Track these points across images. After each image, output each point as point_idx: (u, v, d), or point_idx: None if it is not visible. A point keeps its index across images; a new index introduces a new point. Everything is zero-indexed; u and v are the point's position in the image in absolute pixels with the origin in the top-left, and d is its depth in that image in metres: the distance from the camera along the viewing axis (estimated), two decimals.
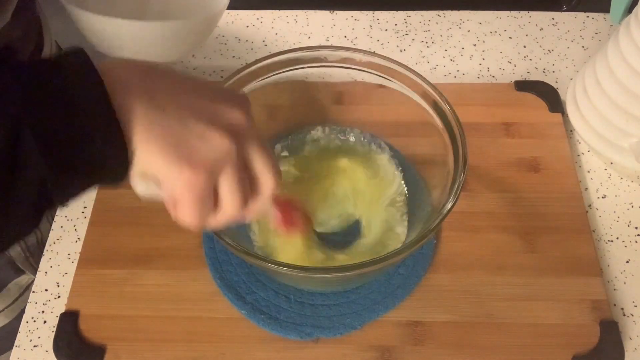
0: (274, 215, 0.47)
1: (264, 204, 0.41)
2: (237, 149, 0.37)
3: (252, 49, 0.78)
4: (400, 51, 0.78)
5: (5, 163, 0.30)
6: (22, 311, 0.58)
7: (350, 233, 0.58)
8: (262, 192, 0.40)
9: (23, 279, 0.69)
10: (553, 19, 0.81)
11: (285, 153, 0.61)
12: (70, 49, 0.34)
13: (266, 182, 0.40)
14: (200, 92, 0.38)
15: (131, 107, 0.34)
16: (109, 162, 0.34)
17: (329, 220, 0.58)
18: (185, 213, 0.37)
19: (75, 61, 0.33)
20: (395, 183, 0.59)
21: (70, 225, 0.62)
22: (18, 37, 0.56)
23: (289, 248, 0.54)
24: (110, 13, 0.67)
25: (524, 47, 0.78)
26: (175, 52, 0.64)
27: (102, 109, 0.32)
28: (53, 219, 0.63)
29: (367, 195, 0.59)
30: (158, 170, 0.35)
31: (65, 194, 0.34)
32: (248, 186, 0.39)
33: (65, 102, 0.32)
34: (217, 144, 0.36)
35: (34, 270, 0.67)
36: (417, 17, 0.81)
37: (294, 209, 0.50)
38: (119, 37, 0.60)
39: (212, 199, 0.37)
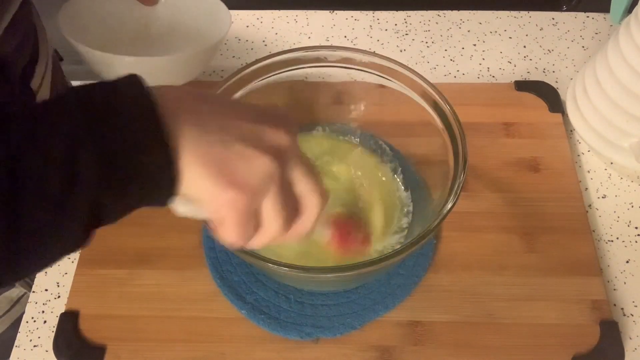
0: (329, 234, 0.48)
1: (309, 224, 0.41)
2: (280, 170, 0.37)
3: (252, 49, 0.78)
4: (400, 51, 0.78)
5: (62, 181, 0.31)
6: (13, 324, 0.58)
7: None
8: (307, 214, 0.41)
9: (13, 292, 0.69)
10: (553, 19, 0.81)
11: None
12: (124, 75, 0.35)
13: (310, 203, 0.40)
14: (245, 114, 0.38)
15: (179, 130, 0.34)
16: (159, 183, 0.34)
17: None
18: (229, 233, 0.38)
19: (130, 86, 0.34)
20: (394, 185, 0.59)
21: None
22: (12, 50, 0.56)
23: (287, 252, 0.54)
24: (113, 38, 0.68)
25: (524, 47, 0.78)
26: (176, 81, 0.65)
27: (153, 131, 0.33)
28: None
29: (365, 197, 0.59)
30: (202, 191, 0.36)
31: (115, 213, 0.35)
32: (291, 207, 0.39)
33: (119, 123, 0.33)
34: (260, 165, 0.36)
35: (25, 283, 0.67)
36: (417, 17, 0.81)
37: (351, 229, 0.51)
38: (119, 70, 0.60)
39: (255, 219, 0.38)
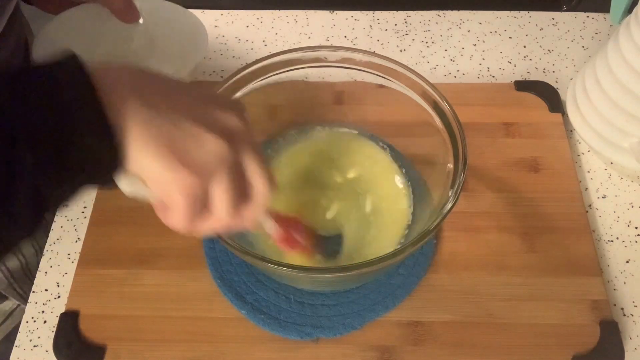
0: (274, 231, 0.47)
1: (257, 212, 0.40)
2: (231, 153, 0.36)
3: (252, 49, 0.78)
4: (400, 51, 0.78)
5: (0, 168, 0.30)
6: (6, 337, 0.57)
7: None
8: (256, 199, 0.40)
9: (7, 305, 0.68)
10: (553, 19, 0.81)
11: (284, 153, 0.61)
12: (61, 53, 0.33)
13: (259, 188, 0.39)
14: (194, 96, 0.37)
15: (123, 107, 0.33)
16: (100, 162, 0.33)
17: (324, 221, 0.58)
18: (176, 217, 0.37)
19: (66, 64, 0.33)
20: (395, 187, 0.59)
21: (70, 225, 0.62)
22: (4, 60, 0.55)
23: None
24: (92, 60, 0.66)
25: (524, 47, 0.78)
26: None
27: (91, 109, 0.32)
28: (45, 239, 0.62)
29: (366, 198, 0.59)
30: (151, 171, 0.35)
31: (59, 197, 0.34)
32: (240, 193, 0.39)
33: (55, 103, 0.32)
34: (212, 146, 0.35)
35: (19, 296, 0.67)
36: (417, 17, 0.81)
37: (296, 228, 0.50)
38: None
39: (203, 203, 0.37)
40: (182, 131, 0.35)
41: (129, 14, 0.59)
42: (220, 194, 0.37)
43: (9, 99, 0.31)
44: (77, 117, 0.32)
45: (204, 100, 0.37)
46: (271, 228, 0.47)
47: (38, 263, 0.59)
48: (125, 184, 0.36)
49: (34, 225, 0.34)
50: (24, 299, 0.60)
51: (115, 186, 0.36)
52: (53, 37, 0.64)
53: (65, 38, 0.64)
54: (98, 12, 0.62)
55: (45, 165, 0.31)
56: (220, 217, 0.38)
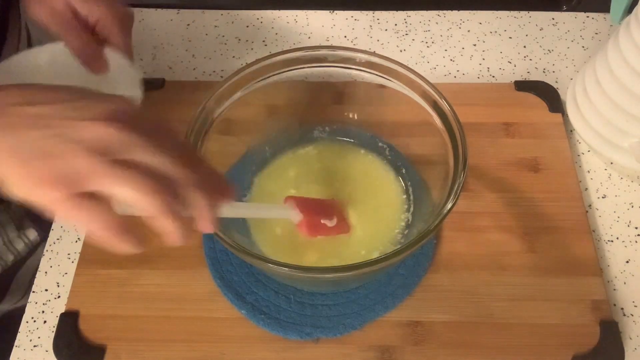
0: (298, 219, 0.47)
1: (207, 213, 0.38)
2: (101, 165, 0.33)
3: (252, 49, 0.78)
4: (400, 51, 0.78)
5: None
6: (5, 337, 0.57)
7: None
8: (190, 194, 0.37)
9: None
10: (553, 19, 0.81)
11: (285, 153, 0.61)
12: None
13: (182, 175, 0.36)
14: (58, 107, 0.35)
15: None
16: None
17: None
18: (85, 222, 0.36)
19: None
20: (395, 187, 0.59)
21: (70, 225, 0.62)
22: None
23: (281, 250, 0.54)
24: None
25: (524, 47, 0.78)
26: None
27: None
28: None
29: (366, 198, 0.59)
30: (25, 195, 0.34)
31: None
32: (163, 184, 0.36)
33: None
34: (74, 162, 0.33)
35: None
36: (417, 17, 0.81)
37: (320, 210, 0.49)
38: None
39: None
40: (45, 147, 0.33)
41: (98, 63, 0.56)
42: (132, 194, 0.34)
43: None
44: None
45: (62, 116, 0.34)
46: (295, 216, 0.46)
47: None
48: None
49: None
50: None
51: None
52: (11, 73, 0.61)
53: (24, 76, 0.61)
54: (65, 54, 0.58)
55: None
56: (149, 211, 0.35)
